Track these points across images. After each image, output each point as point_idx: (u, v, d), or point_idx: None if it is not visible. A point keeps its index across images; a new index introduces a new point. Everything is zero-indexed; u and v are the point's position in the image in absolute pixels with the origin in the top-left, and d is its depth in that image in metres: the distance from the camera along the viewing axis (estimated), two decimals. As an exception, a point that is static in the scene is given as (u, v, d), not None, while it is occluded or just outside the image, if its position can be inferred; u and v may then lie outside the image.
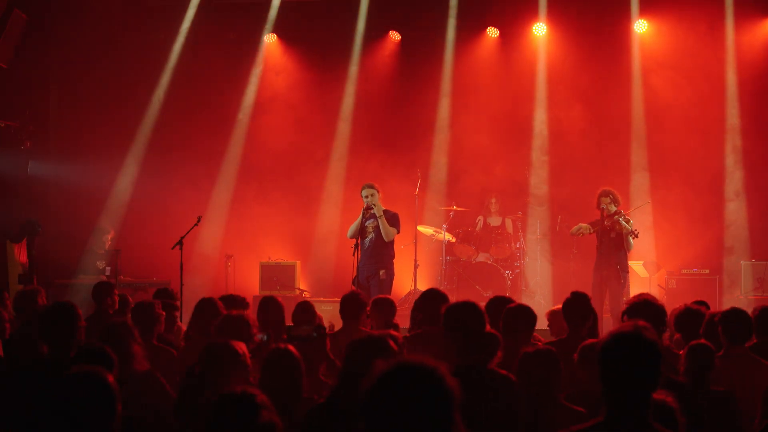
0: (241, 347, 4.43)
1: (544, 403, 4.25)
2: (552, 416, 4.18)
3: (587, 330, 5.67)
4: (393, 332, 5.06)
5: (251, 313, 5.55)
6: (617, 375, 3.01)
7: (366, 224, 9.93)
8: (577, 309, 5.73)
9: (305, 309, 6.47)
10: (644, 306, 5.06)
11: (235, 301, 6.57)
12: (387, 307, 6.70)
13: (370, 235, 9.88)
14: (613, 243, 10.23)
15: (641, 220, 12.93)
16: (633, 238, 10.19)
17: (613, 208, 10.26)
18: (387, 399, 2.23)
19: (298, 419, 4.15)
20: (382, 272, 9.77)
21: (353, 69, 13.83)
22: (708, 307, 6.18)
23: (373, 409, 2.24)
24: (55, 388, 3.09)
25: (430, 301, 5.83)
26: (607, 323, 9.57)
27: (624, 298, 10.05)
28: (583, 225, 10.45)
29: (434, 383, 2.25)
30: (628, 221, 10.16)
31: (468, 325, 4.18)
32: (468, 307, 4.26)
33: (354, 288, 9.14)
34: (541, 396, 4.27)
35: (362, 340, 3.99)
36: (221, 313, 5.76)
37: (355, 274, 9.78)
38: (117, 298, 7.67)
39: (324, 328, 5.91)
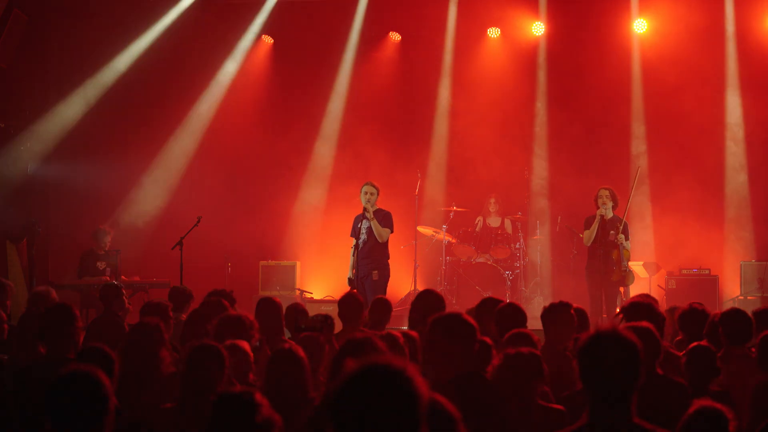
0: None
1: (523, 404, 4.23)
2: (529, 418, 4.17)
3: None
4: (393, 332, 5.07)
5: (249, 314, 5.55)
6: (597, 375, 3.02)
7: (359, 225, 9.97)
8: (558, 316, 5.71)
9: (297, 310, 6.51)
10: (641, 306, 5.06)
11: (219, 293, 6.60)
12: (382, 308, 6.74)
13: (363, 237, 9.92)
14: (609, 245, 10.20)
15: (640, 220, 12.94)
16: (627, 262, 10.23)
17: (610, 204, 10.24)
18: (353, 399, 2.20)
19: (303, 419, 4.15)
20: (374, 273, 9.81)
21: (354, 70, 13.83)
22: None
23: (339, 410, 2.21)
24: (50, 387, 3.17)
25: (424, 302, 5.86)
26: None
27: (624, 299, 10.05)
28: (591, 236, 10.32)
29: (401, 384, 2.21)
30: (626, 240, 10.22)
31: (457, 335, 4.12)
32: (454, 317, 4.21)
33: (350, 288, 9.18)
34: (521, 397, 4.25)
35: (353, 342, 3.98)
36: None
37: (354, 273, 9.84)
38: (126, 300, 7.69)
39: (332, 319, 5.94)
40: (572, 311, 5.66)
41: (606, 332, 3.05)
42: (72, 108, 13.26)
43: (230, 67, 13.78)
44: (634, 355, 3.01)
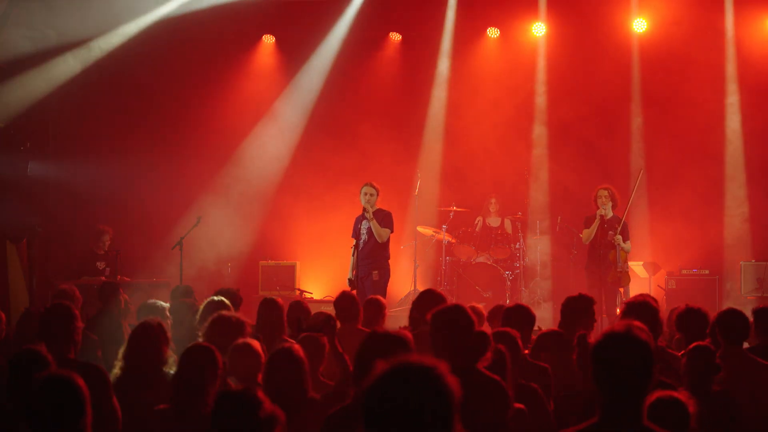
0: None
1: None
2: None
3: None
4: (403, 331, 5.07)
5: (242, 315, 5.55)
6: (610, 375, 3.01)
7: (360, 226, 9.98)
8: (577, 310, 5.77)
9: (298, 307, 6.51)
10: (640, 306, 5.07)
11: (229, 294, 6.61)
12: (375, 307, 6.75)
13: (363, 237, 9.93)
14: (608, 245, 10.22)
15: (641, 220, 12.94)
16: (624, 263, 10.24)
17: (609, 204, 10.27)
18: (386, 398, 2.23)
19: (303, 418, 4.14)
20: (375, 273, 9.83)
21: (353, 70, 13.83)
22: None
23: (372, 409, 2.24)
24: (26, 393, 3.28)
25: (426, 301, 5.86)
26: (604, 324, 9.55)
27: (623, 299, 10.05)
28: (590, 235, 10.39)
29: (433, 382, 2.25)
30: (625, 242, 10.23)
31: (454, 327, 4.15)
32: (455, 309, 4.24)
33: (348, 288, 9.19)
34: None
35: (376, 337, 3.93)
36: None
37: (354, 273, 9.86)
38: (123, 299, 7.73)
39: (334, 319, 5.95)
40: (594, 307, 5.76)
41: (619, 332, 3.05)
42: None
43: (231, 67, 13.77)
44: (647, 356, 3.01)
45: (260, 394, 3.17)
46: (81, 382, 3.30)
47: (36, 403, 3.25)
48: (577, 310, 5.81)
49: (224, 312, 5.57)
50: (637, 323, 3.16)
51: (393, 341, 3.77)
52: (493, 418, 4.02)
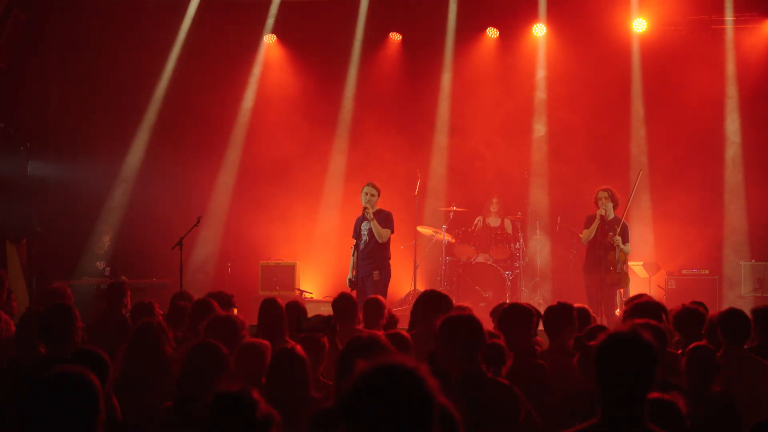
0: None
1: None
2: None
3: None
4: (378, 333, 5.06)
5: (239, 314, 5.54)
6: (613, 376, 3.01)
7: (360, 227, 9.97)
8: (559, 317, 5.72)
9: (297, 309, 6.50)
10: (642, 306, 5.06)
11: (220, 298, 6.60)
12: (375, 307, 6.73)
13: (364, 238, 9.92)
14: (608, 246, 10.21)
15: (641, 220, 12.94)
16: (623, 264, 10.23)
17: (610, 204, 10.26)
18: (366, 399, 2.23)
19: (304, 418, 4.15)
20: (375, 273, 9.81)
21: (353, 70, 13.83)
22: (706, 308, 6.16)
23: (352, 410, 2.24)
24: (38, 388, 3.14)
25: (426, 301, 5.84)
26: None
27: (623, 299, 10.04)
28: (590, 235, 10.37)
29: (414, 383, 2.24)
30: (624, 243, 10.21)
31: (466, 337, 4.13)
32: (465, 318, 4.22)
33: (351, 289, 9.18)
34: None
35: (356, 342, 3.95)
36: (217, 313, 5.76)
37: (354, 274, 9.85)
38: (129, 300, 7.74)
39: (335, 320, 5.95)
40: (575, 313, 5.67)
41: (624, 334, 3.05)
42: None
43: (232, 66, 13.76)
44: (651, 358, 3.01)
45: (256, 394, 3.15)
46: (94, 377, 3.17)
47: (47, 400, 3.08)
48: (559, 320, 5.72)
49: (221, 313, 5.57)
50: (653, 322, 3.15)
51: (372, 346, 3.76)
52: (505, 424, 4.01)
